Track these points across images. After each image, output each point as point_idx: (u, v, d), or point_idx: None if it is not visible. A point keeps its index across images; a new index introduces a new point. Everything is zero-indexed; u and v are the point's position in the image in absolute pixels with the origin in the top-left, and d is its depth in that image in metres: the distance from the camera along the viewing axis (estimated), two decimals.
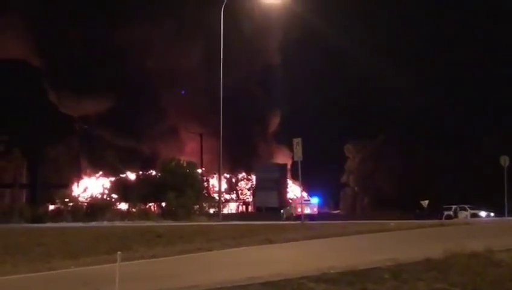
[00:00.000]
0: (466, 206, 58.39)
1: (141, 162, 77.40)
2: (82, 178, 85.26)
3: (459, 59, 73.64)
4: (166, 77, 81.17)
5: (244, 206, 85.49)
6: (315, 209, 56.34)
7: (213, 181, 75.42)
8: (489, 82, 73.47)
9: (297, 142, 31.14)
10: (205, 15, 67.65)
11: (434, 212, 56.44)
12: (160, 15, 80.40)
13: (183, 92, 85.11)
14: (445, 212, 57.28)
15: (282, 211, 60.81)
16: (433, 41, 78.51)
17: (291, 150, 32.23)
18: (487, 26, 73.49)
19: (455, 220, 46.96)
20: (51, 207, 57.57)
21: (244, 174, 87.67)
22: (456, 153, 72.15)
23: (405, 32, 77.34)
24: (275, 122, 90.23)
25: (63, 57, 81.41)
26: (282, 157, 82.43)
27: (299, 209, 46.60)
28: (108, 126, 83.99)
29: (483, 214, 57.68)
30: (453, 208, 57.87)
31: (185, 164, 56.10)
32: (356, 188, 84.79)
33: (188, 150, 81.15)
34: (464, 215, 55.73)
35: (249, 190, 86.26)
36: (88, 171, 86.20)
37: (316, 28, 76.61)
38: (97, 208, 50.18)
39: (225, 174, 77.72)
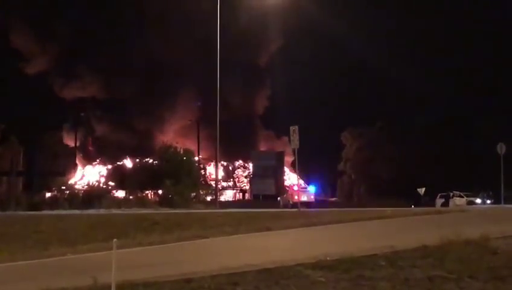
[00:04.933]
0: (462, 193, 58.54)
1: (138, 150, 77.38)
2: (77, 166, 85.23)
3: (456, 46, 73.77)
4: (164, 63, 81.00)
5: (241, 194, 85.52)
6: (312, 196, 56.34)
7: (210, 169, 75.38)
8: (485, 69, 73.56)
9: (294, 129, 31.08)
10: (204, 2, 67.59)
11: (431, 199, 56.71)
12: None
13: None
14: (440, 200, 57.46)
15: (279, 198, 60.83)
16: (430, 27, 78.48)
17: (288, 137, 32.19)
18: (485, 10, 73.64)
19: (450, 207, 47.13)
20: (48, 195, 57.53)
21: (241, 162, 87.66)
22: (454, 141, 72.21)
23: (401, 19, 77.36)
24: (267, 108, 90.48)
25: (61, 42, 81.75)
26: (280, 145, 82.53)
27: (296, 197, 46.66)
28: (106, 113, 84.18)
29: (478, 201, 57.85)
30: (450, 195, 58.02)
31: (182, 152, 56.05)
32: (353, 176, 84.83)
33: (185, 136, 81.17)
34: (455, 202, 55.79)
35: (246, 177, 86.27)
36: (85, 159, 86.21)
37: (313, 15, 76.48)
38: (94, 195, 50.11)
39: (222, 162, 77.74)
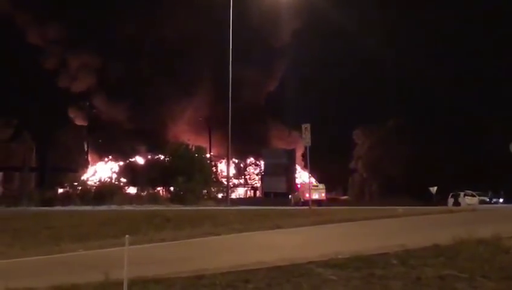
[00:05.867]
0: (473, 192, 58.36)
1: (150, 146, 77.58)
2: (89, 162, 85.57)
3: (467, 44, 73.47)
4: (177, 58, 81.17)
5: (252, 192, 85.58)
6: (323, 194, 56.28)
7: (221, 166, 75.50)
8: (498, 68, 73.15)
9: (305, 127, 31.12)
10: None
11: (443, 198, 56.57)
12: None
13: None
14: (452, 199, 57.31)
15: (290, 196, 60.82)
16: (444, 25, 78.05)
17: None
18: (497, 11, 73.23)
19: (462, 206, 47.05)
20: (60, 191, 57.74)
21: (252, 159, 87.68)
22: (466, 140, 71.92)
23: (414, 16, 77.04)
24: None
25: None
26: (291, 142, 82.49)
27: (307, 195, 46.64)
28: (117, 107, 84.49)
29: (490, 200, 57.69)
30: (461, 195, 57.86)
31: (193, 149, 56.17)
32: (365, 174, 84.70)
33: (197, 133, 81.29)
34: (467, 201, 55.63)
35: (257, 175, 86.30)
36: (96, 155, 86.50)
37: (326, 11, 76.24)
38: (106, 191, 50.25)
39: (234, 159, 77.79)
